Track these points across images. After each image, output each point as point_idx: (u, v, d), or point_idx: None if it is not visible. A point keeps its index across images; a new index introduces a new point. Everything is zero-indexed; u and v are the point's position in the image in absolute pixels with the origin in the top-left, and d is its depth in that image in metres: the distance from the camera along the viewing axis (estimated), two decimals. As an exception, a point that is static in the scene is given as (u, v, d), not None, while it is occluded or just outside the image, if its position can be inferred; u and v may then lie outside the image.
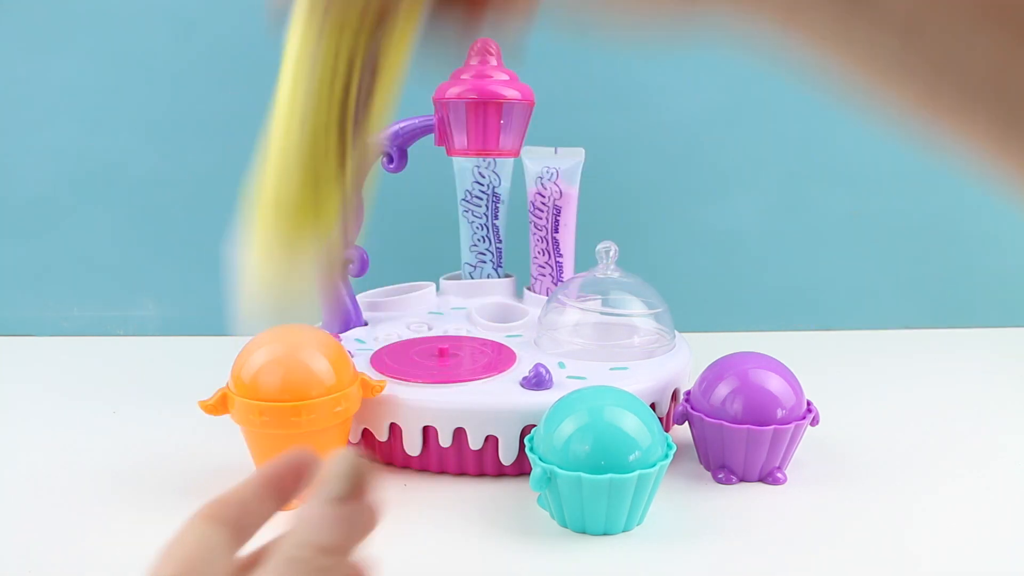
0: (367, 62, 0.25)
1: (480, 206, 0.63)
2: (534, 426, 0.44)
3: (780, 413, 0.45)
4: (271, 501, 0.30)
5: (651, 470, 0.39)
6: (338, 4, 0.24)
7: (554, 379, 0.47)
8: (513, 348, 0.52)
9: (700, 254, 0.79)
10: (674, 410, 0.49)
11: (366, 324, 0.58)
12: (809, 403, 0.47)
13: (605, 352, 0.51)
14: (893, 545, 0.40)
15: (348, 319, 0.56)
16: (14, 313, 0.77)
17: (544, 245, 0.63)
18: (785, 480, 0.46)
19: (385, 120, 0.29)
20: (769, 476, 0.46)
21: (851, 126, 0.77)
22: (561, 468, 0.39)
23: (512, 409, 0.45)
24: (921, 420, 0.56)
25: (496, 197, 0.64)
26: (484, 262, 0.64)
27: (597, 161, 0.66)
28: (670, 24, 0.22)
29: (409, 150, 0.55)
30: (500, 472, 0.47)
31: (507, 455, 0.46)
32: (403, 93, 0.64)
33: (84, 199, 0.75)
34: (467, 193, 0.63)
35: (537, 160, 0.62)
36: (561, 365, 0.50)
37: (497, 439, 0.45)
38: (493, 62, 0.49)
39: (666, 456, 0.40)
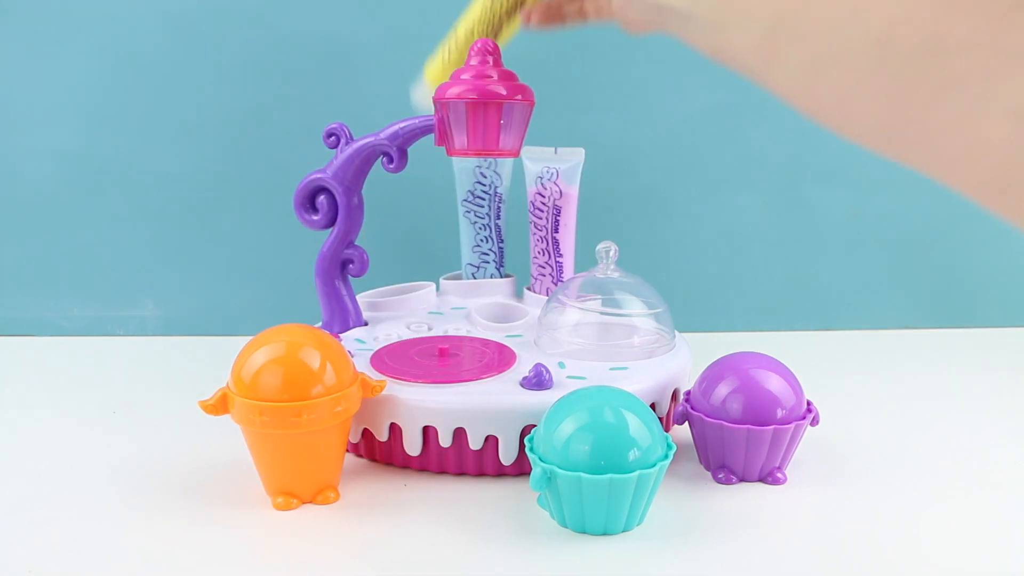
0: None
1: (483, 206, 0.63)
2: (534, 426, 0.44)
3: (780, 413, 0.45)
4: None
5: (651, 470, 0.39)
6: None
7: (554, 379, 0.47)
8: (513, 348, 0.52)
9: (700, 254, 0.79)
10: (674, 410, 0.49)
11: (366, 324, 0.58)
12: (809, 403, 0.47)
13: (605, 352, 0.51)
14: (893, 545, 0.40)
15: (348, 319, 0.56)
16: (14, 313, 0.77)
17: (544, 245, 0.63)
18: (785, 480, 0.46)
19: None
20: (769, 476, 0.46)
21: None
22: (561, 468, 0.39)
23: (512, 409, 0.45)
24: (921, 420, 0.56)
25: (498, 197, 0.64)
26: (487, 262, 0.64)
27: (597, 161, 0.66)
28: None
29: (409, 150, 0.55)
30: (500, 472, 0.47)
31: (507, 455, 0.46)
32: (403, 93, 0.64)
33: (84, 199, 0.75)
34: (469, 194, 0.63)
35: (537, 160, 0.62)
36: (561, 365, 0.50)
37: (497, 439, 0.45)
38: (492, 62, 0.49)
39: (666, 456, 0.40)
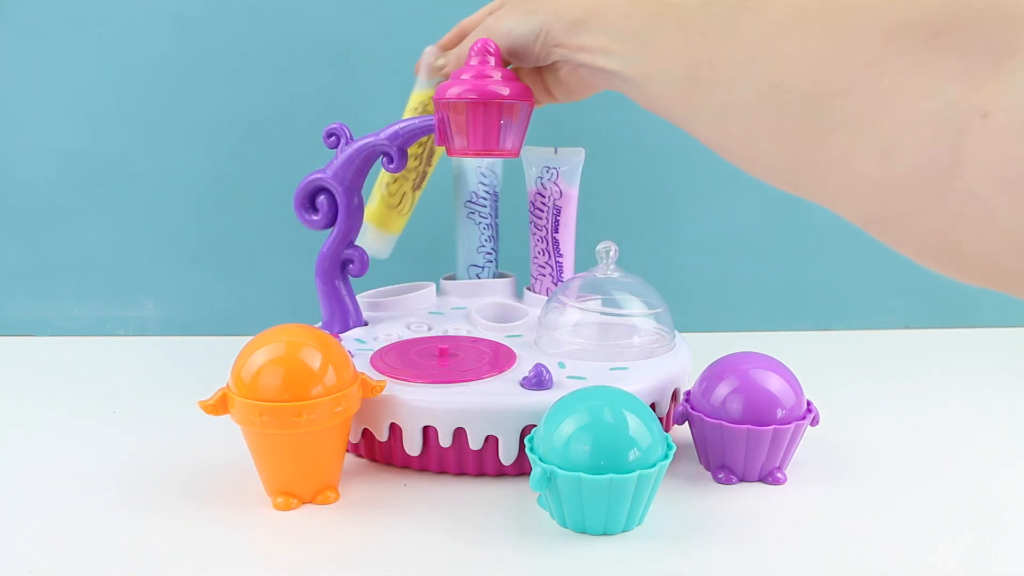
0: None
1: (485, 207, 0.63)
2: (534, 426, 0.44)
3: (780, 413, 0.45)
4: None
5: (651, 470, 0.39)
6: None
7: (554, 379, 0.47)
8: (513, 348, 0.52)
9: (700, 254, 0.79)
10: (674, 410, 0.49)
11: (366, 324, 0.58)
12: (809, 403, 0.47)
13: (605, 352, 0.51)
14: (893, 545, 0.40)
15: (348, 319, 0.56)
16: (14, 313, 0.77)
17: (544, 245, 0.63)
18: (785, 480, 0.46)
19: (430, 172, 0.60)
20: (769, 476, 0.46)
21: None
22: (561, 468, 0.39)
23: (512, 409, 0.45)
24: (921, 420, 0.56)
25: (495, 196, 0.64)
26: (490, 262, 0.65)
27: (597, 161, 0.66)
28: None
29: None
30: (500, 472, 0.47)
31: (507, 455, 0.46)
32: (404, 93, 0.64)
33: (84, 199, 0.75)
34: (473, 195, 0.63)
35: (537, 160, 0.62)
36: (561, 365, 0.50)
37: (497, 439, 0.45)
38: (493, 62, 0.49)
39: (666, 456, 0.40)
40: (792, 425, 0.45)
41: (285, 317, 0.49)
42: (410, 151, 0.58)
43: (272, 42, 0.73)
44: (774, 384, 0.45)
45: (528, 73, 0.52)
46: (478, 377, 0.47)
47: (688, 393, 0.49)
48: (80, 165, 0.75)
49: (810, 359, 0.64)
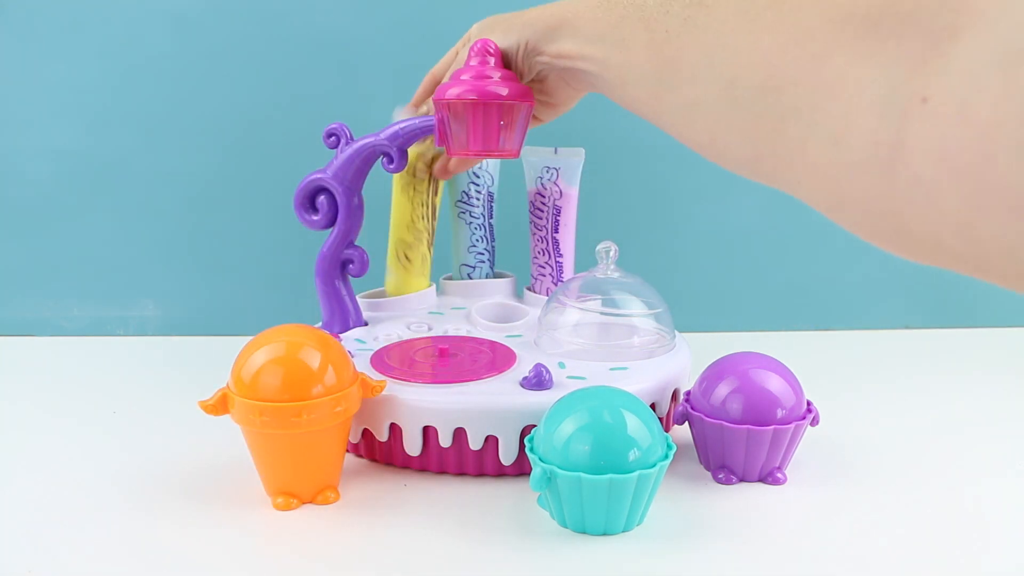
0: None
1: (477, 206, 0.63)
2: (534, 426, 0.44)
3: (780, 413, 0.45)
4: None
5: (651, 470, 0.39)
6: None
7: (554, 379, 0.47)
8: (513, 348, 0.52)
9: (700, 254, 0.79)
10: (674, 410, 0.49)
11: (366, 324, 0.58)
12: (809, 403, 0.47)
13: (605, 352, 0.51)
14: (893, 545, 0.40)
15: (348, 319, 0.56)
16: (14, 313, 0.77)
17: (544, 245, 0.63)
18: (785, 480, 0.46)
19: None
20: (769, 476, 0.46)
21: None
22: (561, 468, 0.39)
23: (512, 409, 0.45)
24: (921, 420, 0.56)
25: (490, 196, 0.64)
26: (483, 262, 0.64)
27: (597, 161, 0.66)
28: None
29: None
30: (500, 472, 0.47)
31: (507, 455, 0.46)
32: (404, 93, 0.64)
33: (84, 199, 0.75)
34: (464, 194, 0.63)
35: (537, 160, 0.62)
36: (561, 365, 0.50)
37: (497, 439, 0.45)
38: (493, 63, 0.49)
39: (666, 456, 0.40)
40: (792, 425, 0.45)
41: (285, 317, 0.49)
42: (415, 204, 0.60)
43: (272, 42, 0.73)
44: (774, 384, 0.45)
45: None
46: (478, 377, 0.47)
47: (688, 393, 0.49)
48: (80, 165, 0.75)
49: (810, 359, 0.64)
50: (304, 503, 0.44)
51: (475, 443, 0.45)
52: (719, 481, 0.46)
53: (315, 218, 0.54)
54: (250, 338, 0.43)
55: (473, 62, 0.49)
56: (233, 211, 0.76)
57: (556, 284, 0.63)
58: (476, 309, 0.59)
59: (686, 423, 0.48)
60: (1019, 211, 0.23)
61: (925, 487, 0.46)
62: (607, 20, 0.40)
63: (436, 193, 0.61)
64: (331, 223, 0.54)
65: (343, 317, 0.56)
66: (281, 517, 0.42)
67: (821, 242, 0.79)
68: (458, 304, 0.62)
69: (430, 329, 0.57)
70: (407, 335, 0.56)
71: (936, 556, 0.39)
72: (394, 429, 0.47)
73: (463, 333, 0.56)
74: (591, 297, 0.52)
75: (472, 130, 0.49)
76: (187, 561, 0.38)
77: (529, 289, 0.64)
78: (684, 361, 0.52)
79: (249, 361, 0.42)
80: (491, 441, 0.46)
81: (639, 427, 0.40)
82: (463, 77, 0.48)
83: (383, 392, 0.45)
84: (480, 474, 0.47)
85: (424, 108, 0.55)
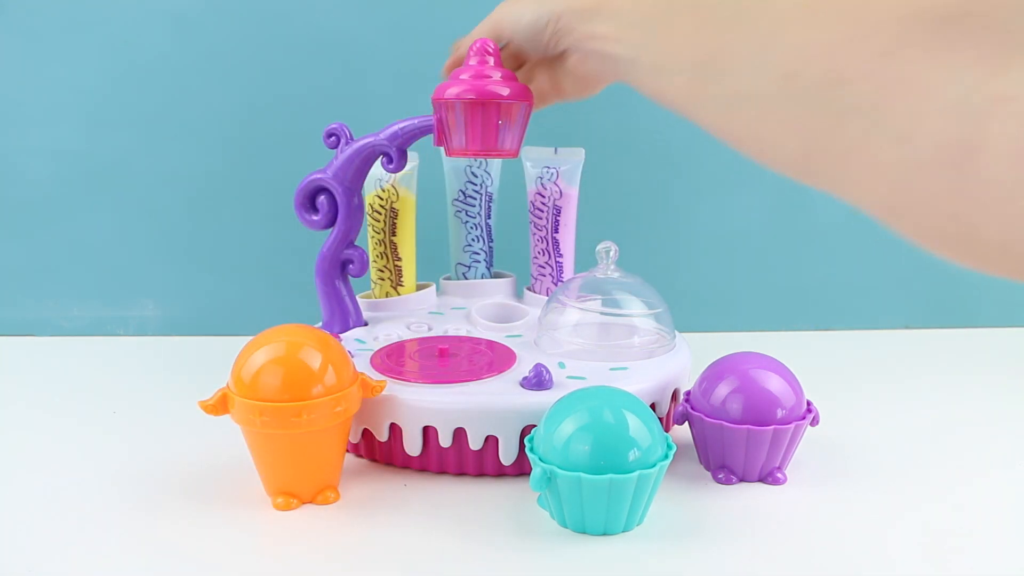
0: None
1: (474, 206, 0.63)
2: (534, 426, 0.44)
3: (780, 413, 0.45)
4: None
5: (651, 470, 0.39)
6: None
7: (554, 379, 0.47)
8: (513, 348, 0.52)
9: (700, 254, 0.79)
10: (674, 410, 0.49)
11: (366, 324, 0.58)
12: (809, 403, 0.47)
13: (605, 352, 0.51)
14: (893, 545, 0.40)
15: (348, 319, 0.56)
16: (14, 313, 0.77)
17: (544, 245, 0.63)
18: (785, 480, 0.46)
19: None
20: (769, 476, 0.46)
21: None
22: (561, 468, 0.39)
23: (512, 409, 0.45)
24: (921, 420, 0.56)
25: (489, 196, 0.64)
26: (478, 262, 0.64)
27: (597, 161, 0.66)
28: None
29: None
30: (500, 472, 0.47)
31: (507, 455, 0.46)
32: (404, 93, 0.64)
33: (84, 199, 0.75)
34: (460, 193, 0.63)
35: (537, 160, 0.62)
36: (561, 365, 0.50)
37: (497, 439, 0.45)
38: (492, 62, 0.49)
39: (666, 456, 0.40)
40: (792, 425, 0.45)
41: (285, 317, 0.49)
42: (373, 243, 0.60)
43: (272, 42, 0.73)
44: (774, 384, 0.45)
45: (536, 66, 0.51)
46: (478, 377, 0.47)
47: (688, 393, 0.49)
48: (80, 165, 0.75)
49: (810, 359, 0.64)
50: (304, 503, 0.44)
51: (475, 443, 0.45)
52: (719, 481, 0.46)
53: (315, 218, 0.54)
54: (250, 338, 0.43)
55: (472, 61, 0.49)
56: (233, 211, 0.76)
57: (556, 284, 0.63)
58: (476, 309, 0.59)
59: (686, 423, 0.48)
60: None
61: (925, 487, 0.46)
62: (650, 4, 0.39)
63: (394, 233, 0.60)
64: (331, 223, 0.54)
65: (343, 317, 0.56)
66: (281, 517, 0.42)
67: (821, 242, 0.79)
68: (458, 304, 0.62)
69: (430, 329, 0.57)
70: (407, 335, 0.56)
71: (936, 556, 0.39)
72: (394, 429, 0.47)
73: (463, 333, 0.56)
74: (591, 297, 0.52)
75: (471, 130, 0.49)
76: (187, 561, 0.38)
77: (529, 289, 0.64)
78: (684, 361, 0.52)
79: (249, 361, 0.42)
80: (491, 441, 0.46)
81: (639, 427, 0.40)
82: (462, 76, 0.48)
83: (383, 392, 0.45)
84: (480, 474, 0.47)
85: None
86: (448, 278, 0.65)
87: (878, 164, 0.29)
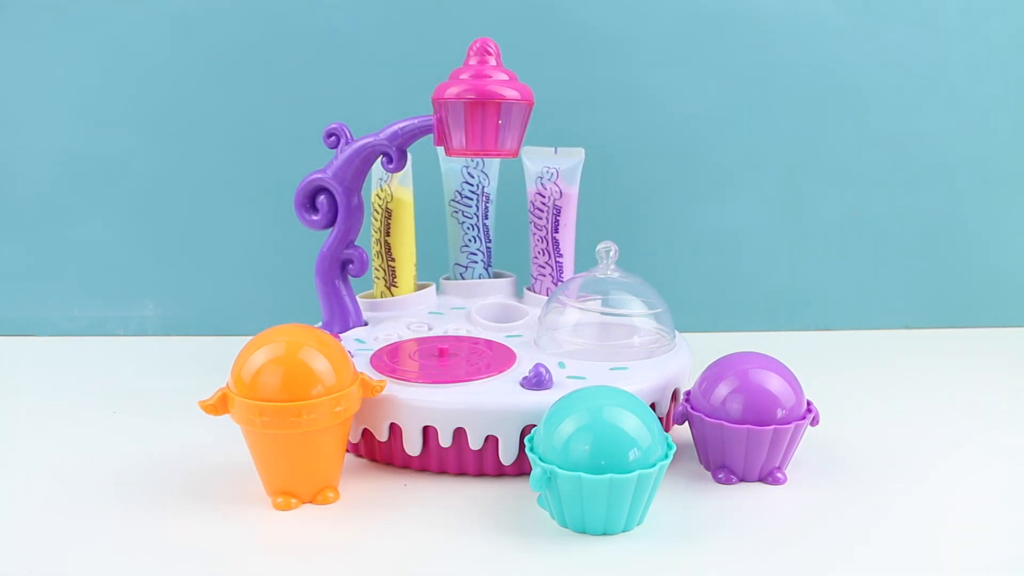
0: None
1: (471, 206, 0.63)
2: (534, 426, 0.44)
3: (780, 413, 0.45)
4: None
5: (651, 470, 0.39)
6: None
7: (554, 379, 0.47)
8: (513, 348, 0.52)
9: (700, 254, 0.79)
10: (674, 410, 0.49)
11: (366, 324, 0.58)
12: (809, 403, 0.47)
13: (605, 352, 0.51)
14: (893, 545, 0.40)
15: (348, 319, 0.56)
16: (14, 313, 0.77)
17: (544, 245, 0.63)
18: (785, 480, 0.46)
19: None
20: (769, 476, 0.46)
21: (851, 126, 0.77)
22: (561, 468, 0.39)
23: (512, 409, 0.45)
24: (921, 420, 0.56)
25: (486, 197, 0.64)
26: (475, 262, 0.64)
27: (597, 161, 0.66)
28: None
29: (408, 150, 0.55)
30: (500, 472, 0.47)
31: (507, 455, 0.46)
32: (404, 93, 0.64)
33: (84, 199, 0.75)
34: (457, 194, 0.63)
35: (537, 160, 0.62)
36: (561, 365, 0.50)
37: (497, 439, 0.45)
38: (492, 62, 0.49)
39: (666, 456, 0.40)
40: (792, 425, 0.45)
41: (285, 317, 0.49)
42: (372, 242, 0.60)
43: (272, 42, 0.73)
44: (774, 384, 0.45)
45: None
46: (478, 377, 0.47)
47: (688, 393, 0.49)
48: (80, 165, 0.75)
49: (810, 359, 0.64)
50: (304, 503, 0.44)
51: (475, 443, 0.45)
52: (719, 481, 0.46)
53: (315, 218, 0.54)
54: (250, 338, 0.43)
55: (472, 61, 0.49)
56: (233, 211, 0.76)
57: (556, 284, 0.63)
58: (476, 309, 0.59)
59: (686, 423, 0.48)
60: None
61: (924, 486, 0.46)
62: None
63: (388, 233, 0.60)
64: (331, 223, 0.54)
65: (343, 317, 0.56)
66: (281, 517, 0.42)
67: (821, 242, 0.79)
68: (458, 304, 0.62)
69: (430, 329, 0.57)
70: (407, 335, 0.56)
71: (936, 555, 0.39)
72: (394, 429, 0.47)
73: (463, 333, 0.56)
74: (591, 297, 0.52)
75: (470, 129, 0.49)
76: (187, 560, 0.38)
77: (529, 289, 0.64)
78: (684, 361, 0.52)
79: (249, 361, 0.42)
80: (491, 441, 0.46)
81: (639, 427, 0.40)
82: (462, 76, 0.48)
83: (383, 392, 0.45)
84: (480, 474, 0.47)
85: None
86: (448, 278, 0.65)
87: None
